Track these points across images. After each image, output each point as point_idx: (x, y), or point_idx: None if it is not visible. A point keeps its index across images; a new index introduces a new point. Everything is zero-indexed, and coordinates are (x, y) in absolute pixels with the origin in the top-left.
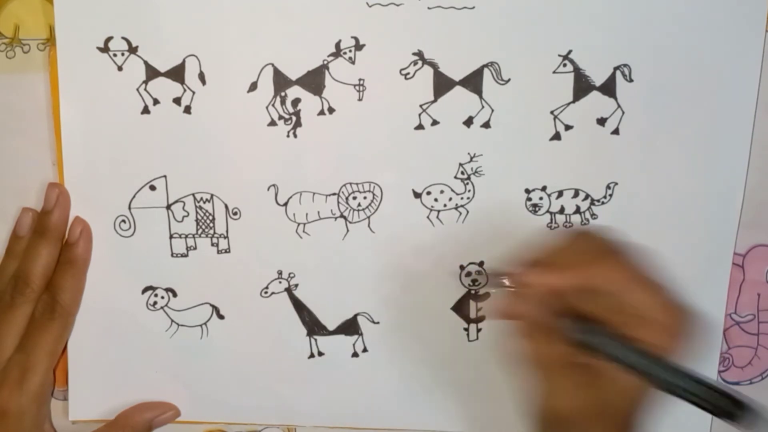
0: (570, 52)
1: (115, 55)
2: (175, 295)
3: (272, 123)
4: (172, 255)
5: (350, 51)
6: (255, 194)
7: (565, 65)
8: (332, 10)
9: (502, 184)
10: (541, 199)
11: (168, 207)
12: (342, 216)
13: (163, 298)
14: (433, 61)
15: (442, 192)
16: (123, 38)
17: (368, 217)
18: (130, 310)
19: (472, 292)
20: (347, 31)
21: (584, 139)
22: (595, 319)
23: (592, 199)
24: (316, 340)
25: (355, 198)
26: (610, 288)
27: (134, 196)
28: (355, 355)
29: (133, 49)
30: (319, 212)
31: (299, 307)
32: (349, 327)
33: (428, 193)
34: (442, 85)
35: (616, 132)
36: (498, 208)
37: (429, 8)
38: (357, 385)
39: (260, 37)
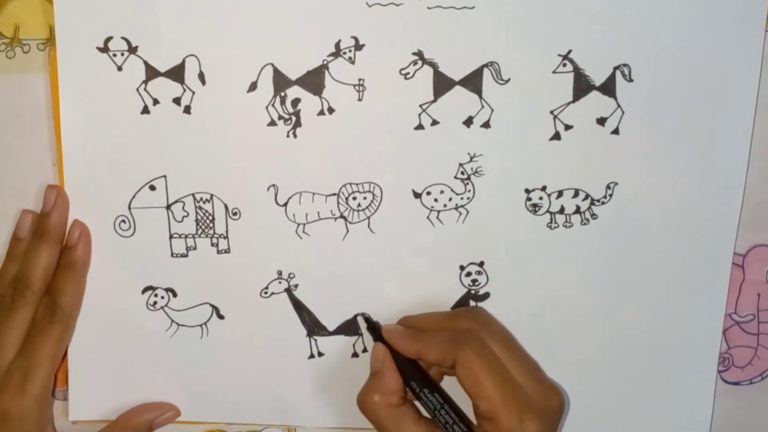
0: (570, 51)
1: (114, 55)
2: (175, 295)
3: (272, 123)
4: (171, 255)
5: (350, 51)
6: (255, 194)
7: (564, 65)
8: (332, 10)
9: (502, 184)
10: (541, 199)
11: (168, 207)
12: (342, 216)
13: (163, 298)
14: (432, 61)
15: (442, 192)
16: (123, 38)
17: (368, 218)
18: (130, 310)
19: (472, 292)
20: (347, 31)
21: (584, 139)
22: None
23: (592, 199)
24: (316, 340)
25: (355, 198)
26: (460, 372)
27: (134, 196)
28: (355, 355)
29: (132, 49)
30: (319, 212)
31: (299, 307)
32: (349, 327)
33: (428, 193)
34: (442, 85)
35: (616, 132)
36: (498, 208)
37: (429, 8)
38: (357, 385)
39: (260, 37)
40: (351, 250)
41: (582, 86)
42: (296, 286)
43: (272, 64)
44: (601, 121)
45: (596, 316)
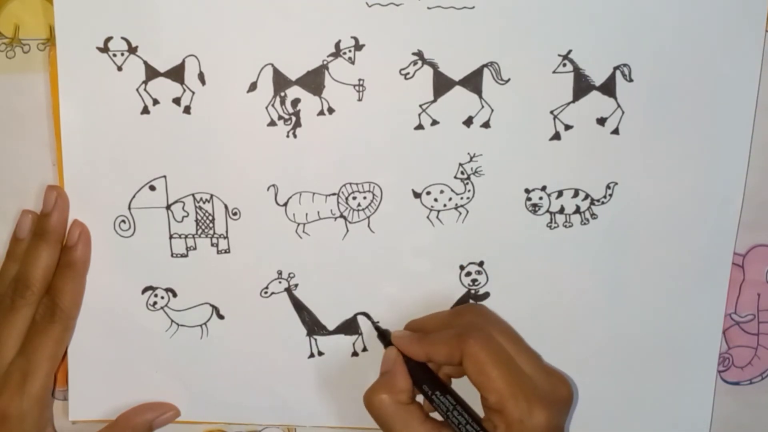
0: (570, 51)
1: (114, 55)
2: (175, 295)
3: (272, 123)
4: (171, 255)
5: (350, 51)
6: (255, 194)
7: (564, 65)
8: (332, 10)
9: (502, 184)
10: (541, 199)
11: (168, 207)
12: (342, 216)
13: (163, 298)
14: (432, 61)
15: (441, 192)
16: (123, 38)
17: (368, 217)
18: (130, 310)
19: (472, 291)
20: (347, 31)
21: (584, 139)
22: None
23: (592, 199)
24: (316, 340)
25: (354, 198)
26: (467, 365)
27: (134, 197)
28: (354, 354)
29: (132, 49)
30: (318, 212)
31: (299, 307)
32: (349, 326)
33: (428, 193)
34: (442, 85)
35: (616, 132)
36: (498, 208)
37: (429, 8)
38: (357, 385)
39: (260, 37)
40: (351, 250)
41: (582, 86)
42: (296, 285)
43: (272, 64)
44: (601, 121)
45: (596, 316)
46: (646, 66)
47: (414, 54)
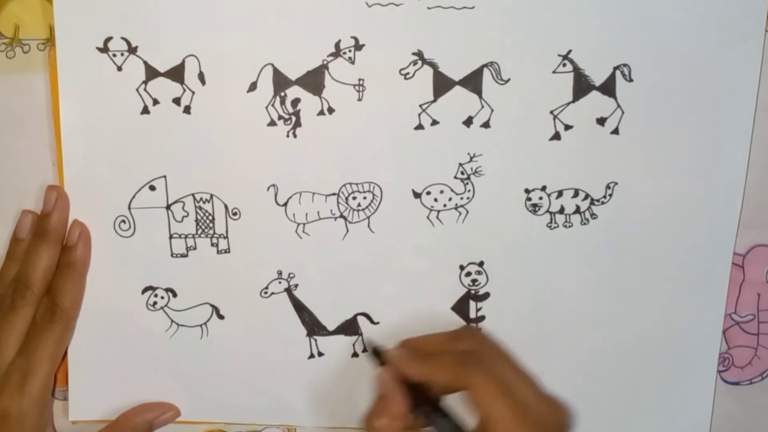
0: (570, 52)
1: (114, 55)
2: (175, 295)
3: (272, 123)
4: (171, 255)
5: (350, 51)
6: (255, 194)
7: (564, 65)
8: (332, 10)
9: (502, 184)
10: (541, 199)
11: (168, 207)
12: (342, 216)
13: (163, 298)
14: (432, 61)
15: (441, 192)
16: (122, 38)
17: (368, 217)
18: (130, 310)
19: (472, 292)
20: (347, 31)
21: (584, 139)
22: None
23: (592, 199)
24: (316, 340)
25: (354, 198)
26: (472, 395)
27: (134, 197)
28: (355, 355)
29: (132, 49)
30: (318, 212)
31: (299, 307)
32: (349, 327)
33: (428, 193)
34: (442, 85)
35: (615, 132)
36: (498, 208)
37: (429, 8)
38: (357, 385)
39: (260, 37)
40: (351, 250)
41: (582, 86)
42: (296, 285)
43: (272, 64)
44: (601, 121)
45: (596, 316)
46: (646, 66)
47: (414, 54)
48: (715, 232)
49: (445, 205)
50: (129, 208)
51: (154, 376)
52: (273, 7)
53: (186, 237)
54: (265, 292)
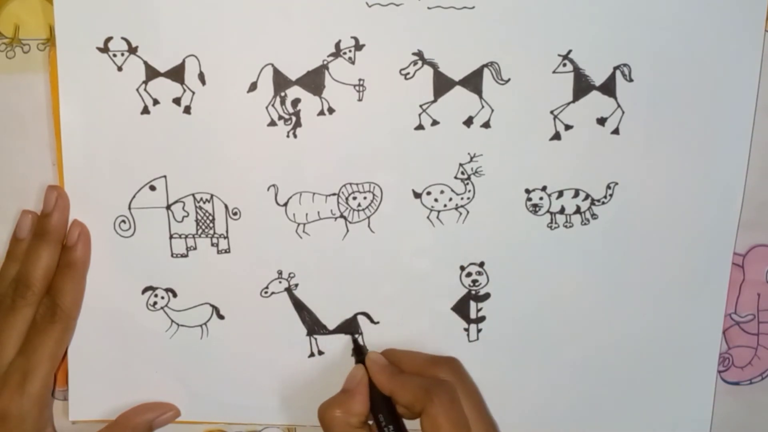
0: (570, 51)
1: (114, 55)
2: (175, 295)
3: (272, 123)
4: (172, 255)
5: (350, 51)
6: (255, 194)
7: (564, 65)
8: (332, 10)
9: (502, 184)
10: (541, 199)
11: (168, 207)
12: (342, 216)
13: (163, 298)
14: (432, 61)
15: (442, 192)
16: (123, 38)
17: (368, 217)
18: (130, 310)
19: (472, 292)
20: (347, 31)
21: (584, 139)
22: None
23: (592, 199)
24: (316, 339)
25: (355, 198)
26: (425, 424)
27: (134, 197)
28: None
29: (132, 50)
30: (319, 212)
31: (299, 306)
32: (349, 326)
33: (428, 193)
34: (442, 85)
35: (616, 132)
36: (498, 208)
37: (429, 8)
38: None
39: (260, 37)
40: (351, 250)
41: (582, 86)
42: (296, 285)
43: (272, 64)
44: (601, 121)
45: (596, 316)
46: (646, 66)
47: (414, 54)
48: (715, 232)
49: (445, 206)
50: (129, 208)
51: (154, 376)
52: (273, 7)
53: (186, 237)
54: (266, 292)
